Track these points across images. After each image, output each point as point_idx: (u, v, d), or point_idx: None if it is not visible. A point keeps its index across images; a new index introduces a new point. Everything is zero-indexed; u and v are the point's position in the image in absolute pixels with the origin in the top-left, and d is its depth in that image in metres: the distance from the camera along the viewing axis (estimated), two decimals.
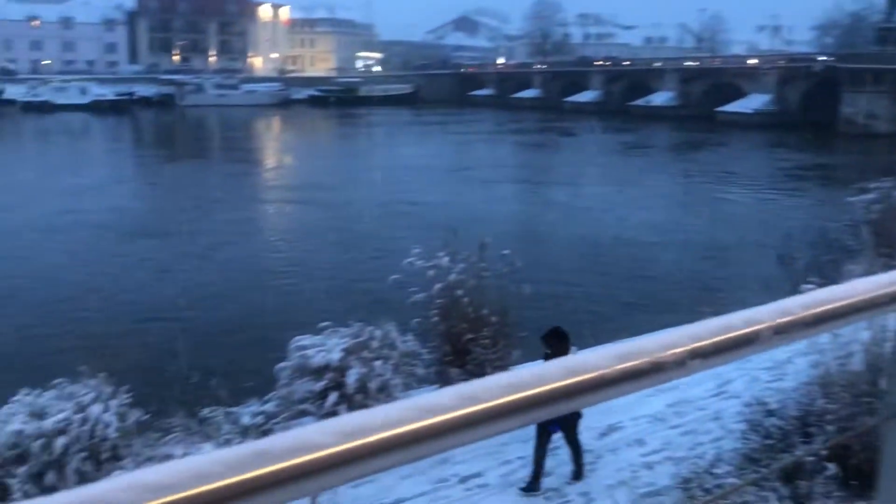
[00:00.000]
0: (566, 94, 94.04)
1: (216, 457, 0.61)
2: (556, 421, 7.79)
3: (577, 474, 8.29)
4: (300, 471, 0.62)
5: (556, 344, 7.71)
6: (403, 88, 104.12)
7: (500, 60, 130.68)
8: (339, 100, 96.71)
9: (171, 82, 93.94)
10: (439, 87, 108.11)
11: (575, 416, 7.95)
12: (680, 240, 25.10)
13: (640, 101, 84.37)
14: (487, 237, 10.57)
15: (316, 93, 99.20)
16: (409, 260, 10.00)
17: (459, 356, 9.56)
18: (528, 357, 10.20)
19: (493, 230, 10.63)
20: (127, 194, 35.04)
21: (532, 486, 8.04)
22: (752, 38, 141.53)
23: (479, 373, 9.43)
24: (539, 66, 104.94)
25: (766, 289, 14.19)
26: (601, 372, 0.79)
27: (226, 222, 27.51)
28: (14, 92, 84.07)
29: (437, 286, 9.70)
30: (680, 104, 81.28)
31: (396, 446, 0.66)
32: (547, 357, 7.87)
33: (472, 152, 53.05)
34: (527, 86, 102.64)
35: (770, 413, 7.74)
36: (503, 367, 9.29)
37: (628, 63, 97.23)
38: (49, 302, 17.60)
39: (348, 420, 0.67)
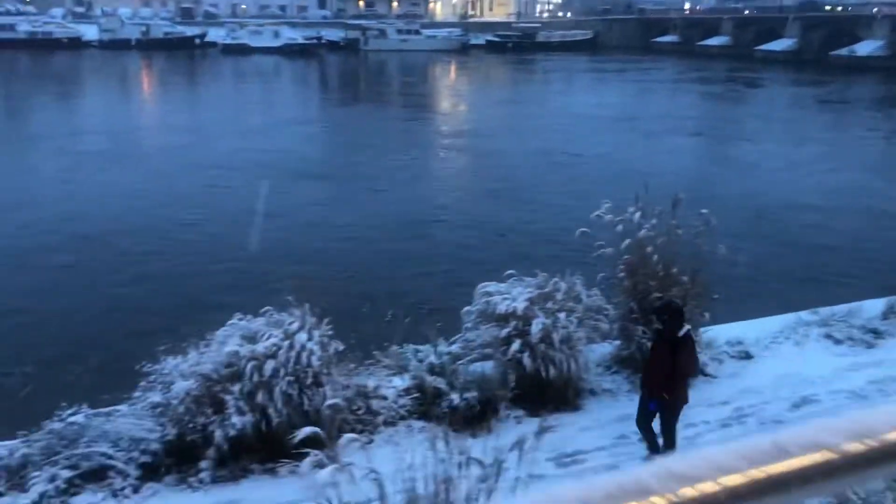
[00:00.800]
0: (758, 42, 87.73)
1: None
2: (655, 398, 7.39)
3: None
4: (816, 471, 0.61)
5: (669, 319, 7.31)
6: (583, 34, 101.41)
7: (687, 6, 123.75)
8: (517, 45, 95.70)
9: (356, 27, 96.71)
10: (620, 33, 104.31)
11: (680, 401, 7.40)
12: (867, 206, 22.85)
13: (842, 51, 77.25)
14: (668, 192, 10.09)
15: (494, 38, 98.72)
16: (597, 213, 9.78)
17: (645, 314, 9.33)
18: (720, 320, 9.81)
19: (658, 186, 10.04)
20: (306, 135, 37.01)
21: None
22: None
23: None
24: (748, 12, 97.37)
25: None
26: None
27: (399, 167, 28.29)
28: (215, 34, 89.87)
29: (626, 242, 9.46)
30: (890, 54, 73.66)
31: None
32: (658, 332, 7.55)
33: (648, 102, 51.02)
34: (715, 32, 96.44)
35: None
36: (693, 329, 8.98)
37: (841, 9, 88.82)
38: (235, 238, 18.73)
39: (855, 417, 0.65)
